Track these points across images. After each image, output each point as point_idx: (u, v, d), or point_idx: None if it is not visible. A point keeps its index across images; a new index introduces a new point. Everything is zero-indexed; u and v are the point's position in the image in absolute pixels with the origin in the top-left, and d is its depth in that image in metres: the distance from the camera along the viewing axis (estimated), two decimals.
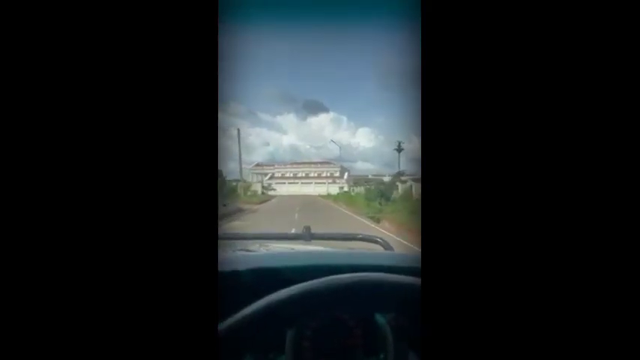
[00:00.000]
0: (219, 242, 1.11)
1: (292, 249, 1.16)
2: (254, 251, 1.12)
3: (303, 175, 57.50)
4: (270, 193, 39.83)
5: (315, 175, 57.09)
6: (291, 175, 58.20)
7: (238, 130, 30.14)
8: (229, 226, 11.36)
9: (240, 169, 30.80)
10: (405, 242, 7.79)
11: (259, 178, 55.95)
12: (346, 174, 53.33)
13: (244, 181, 33.41)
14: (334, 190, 46.54)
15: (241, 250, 1.10)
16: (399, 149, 37.67)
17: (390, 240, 1.34)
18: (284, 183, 55.59)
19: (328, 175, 56.15)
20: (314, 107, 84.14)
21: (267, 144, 57.58)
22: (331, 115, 66.74)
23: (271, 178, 57.14)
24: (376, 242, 1.34)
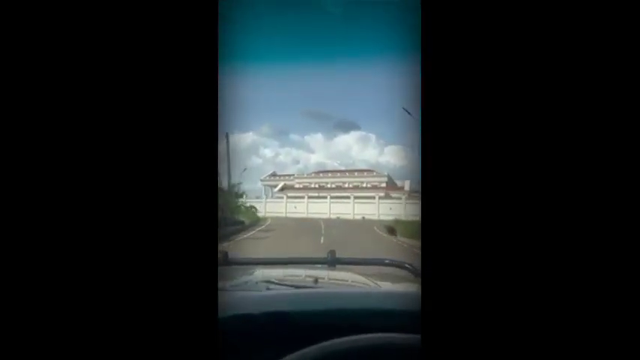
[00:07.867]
0: (229, 268, 1.15)
1: (296, 290, 1.02)
2: (256, 290, 1.02)
3: (334, 186, 37.00)
4: (260, 215, 23.79)
5: (352, 186, 36.59)
6: (316, 186, 37.80)
7: (227, 134, 21.65)
8: None
9: (229, 180, 23.01)
10: None
11: (268, 191, 36.61)
12: (407, 183, 32.62)
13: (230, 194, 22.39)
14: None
15: (241, 289, 1.04)
16: None
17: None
18: (302, 198, 34.89)
19: (371, 186, 35.71)
20: (343, 126, 70.43)
21: (297, 162, 49.33)
22: (359, 133, 54.09)
23: (284, 189, 37.00)
24: (405, 268, 1.26)
